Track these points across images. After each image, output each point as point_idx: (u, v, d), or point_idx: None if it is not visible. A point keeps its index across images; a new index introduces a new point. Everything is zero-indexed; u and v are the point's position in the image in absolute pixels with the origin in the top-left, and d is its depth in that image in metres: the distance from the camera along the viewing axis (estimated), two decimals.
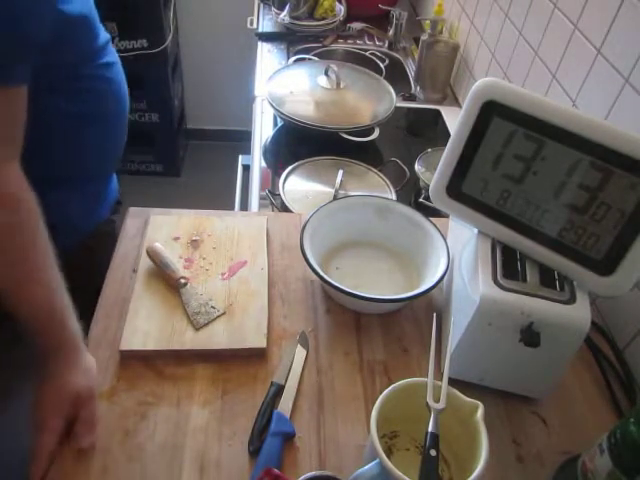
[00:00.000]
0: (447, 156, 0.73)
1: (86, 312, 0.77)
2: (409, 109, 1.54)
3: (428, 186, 0.80)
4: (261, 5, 2.02)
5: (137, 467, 0.64)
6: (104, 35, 0.88)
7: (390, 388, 0.60)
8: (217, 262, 0.88)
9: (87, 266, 0.88)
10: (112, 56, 0.90)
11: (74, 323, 0.71)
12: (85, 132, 0.88)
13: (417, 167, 1.16)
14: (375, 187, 1.12)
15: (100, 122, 0.90)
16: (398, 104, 1.35)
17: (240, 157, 1.64)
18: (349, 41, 1.85)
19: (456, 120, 0.71)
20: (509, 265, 0.70)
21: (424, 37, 1.52)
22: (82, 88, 0.84)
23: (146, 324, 0.77)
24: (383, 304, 0.82)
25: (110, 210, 1.04)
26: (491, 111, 0.68)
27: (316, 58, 1.59)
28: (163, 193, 2.48)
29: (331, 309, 0.85)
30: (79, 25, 0.79)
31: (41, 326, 0.69)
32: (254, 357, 0.77)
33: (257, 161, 1.27)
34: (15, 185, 0.68)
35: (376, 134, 1.26)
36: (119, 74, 0.92)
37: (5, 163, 0.67)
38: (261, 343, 0.77)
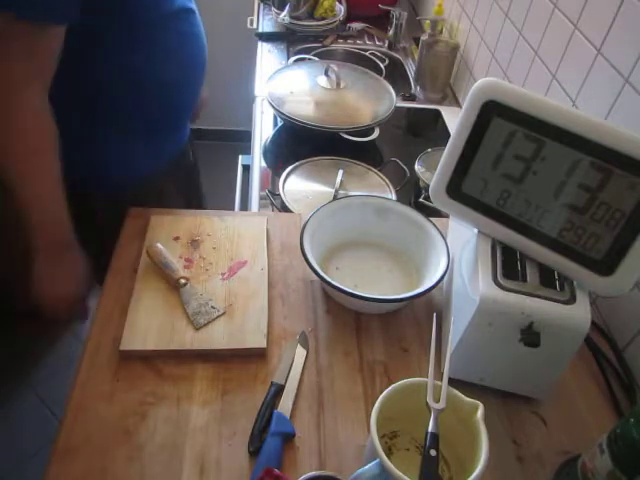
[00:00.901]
0: (447, 156, 0.73)
1: None
2: (409, 109, 1.54)
3: (428, 186, 0.80)
4: (261, 5, 2.02)
5: (137, 467, 0.64)
6: None
7: (390, 388, 0.60)
8: (217, 262, 0.88)
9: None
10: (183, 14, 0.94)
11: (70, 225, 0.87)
12: (151, 86, 0.94)
13: (417, 167, 1.16)
14: (375, 187, 1.12)
15: (168, 78, 0.95)
16: (398, 104, 1.35)
17: (240, 157, 1.64)
18: (349, 41, 1.85)
19: (456, 120, 0.71)
20: (509, 265, 0.70)
21: (424, 37, 1.52)
22: (149, 39, 0.89)
23: (146, 324, 0.77)
24: (383, 304, 0.82)
25: (170, 161, 1.09)
26: (491, 111, 0.68)
27: (316, 58, 1.59)
28: None
29: (331, 309, 0.85)
30: None
31: (47, 218, 0.85)
32: (254, 357, 0.77)
33: (257, 161, 1.27)
34: (33, 108, 0.78)
35: (376, 134, 1.26)
36: (194, 27, 0.98)
37: (29, 88, 0.77)
38: (261, 343, 0.77)
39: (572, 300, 0.66)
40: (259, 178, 1.22)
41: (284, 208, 1.06)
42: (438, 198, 0.76)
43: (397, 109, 1.33)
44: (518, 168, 0.68)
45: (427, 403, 0.57)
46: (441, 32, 1.58)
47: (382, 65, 1.62)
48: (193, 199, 1.31)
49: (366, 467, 0.57)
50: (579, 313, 0.65)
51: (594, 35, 0.92)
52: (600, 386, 0.79)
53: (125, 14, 0.84)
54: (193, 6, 1.00)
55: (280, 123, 1.38)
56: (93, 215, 1.02)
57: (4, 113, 0.77)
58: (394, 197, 1.08)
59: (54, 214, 0.85)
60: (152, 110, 0.97)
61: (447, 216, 0.95)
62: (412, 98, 1.57)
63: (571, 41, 1.00)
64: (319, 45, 1.79)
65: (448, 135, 1.33)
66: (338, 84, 1.33)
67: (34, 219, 0.84)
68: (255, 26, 1.90)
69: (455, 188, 0.74)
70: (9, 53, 0.74)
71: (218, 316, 0.80)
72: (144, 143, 1.00)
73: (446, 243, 0.85)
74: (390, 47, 1.83)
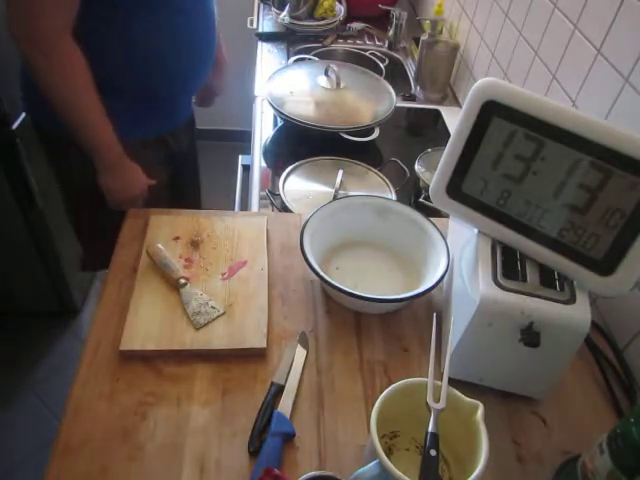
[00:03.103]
0: (447, 156, 0.73)
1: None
2: (409, 109, 1.54)
3: (428, 186, 0.80)
4: (261, 5, 2.02)
5: (137, 467, 0.64)
6: None
7: (390, 388, 0.60)
8: (217, 262, 0.88)
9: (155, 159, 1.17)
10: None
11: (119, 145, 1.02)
12: (144, 58, 1.01)
13: (417, 167, 1.16)
14: (375, 187, 1.12)
15: (159, 51, 1.02)
16: (398, 104, 1.35)
17: (240, 157, 1.64)
18: (349, 41, 1.85)
19: (456, 120, 0.71)
20: (509, 265, 0.70)
21: (424, 37, 1.52)
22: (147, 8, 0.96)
23: (146, 324, 0.77)
24: (383, 304, 0.82)
25: (155, 136, 1.18)
26: (491, 111, 0.68)
27: (316, 58, 1.59)
28: None
29: (331, 309, 0.85)
30: None
31: (101, 141, 0.99)
32: (254, 357, 0.77)
33: (257, 161, 1.27)
34: (75, 49, 0.90)
35: (376, 134, 1.26)
36: (198, 5, 1.03)
37: (60, 32, 0.88)
38: (261, 343, 0.77)
39: (572, 300, 0.66)
40: (259, 178, 1.22)
41: (284, 208, 1.06)
42: (438, 198, 0.76)
43: (397, 109, 1.33)
44: (518, 168, 0.68)
45: (427, 403, 0.57)
46: (441, 32, 1.58)
47: (382, 65, 1.62)
48: (185, 190, 1.39)
49: (366, 467, 0.57)
50: (579, 313, 0.65)
51: (594, 35, 0.92)
52: (600, 386, 0.79)
53: None
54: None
55: (280, 123, 1.38)
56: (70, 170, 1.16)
57: (57, 59, 0.89)
58: (394, 197, 1.08)
59: (105, 138, 1.00)
60: (133, 78, 1.03)
61: (447, 216, 0.95)
62: (412, 98, 1.57)
63: (571, 41, 1.00)
64: (319, 45, 1.79)
65: (448, 135, 1.34)
66: (338, 84, 1.33)
67: (91, 145, 0.99)
68: (255, 26, 1.91)
69: (455, 188, 0.74)
70: (53, 3, 0.85)
71: (218, 316, 0.80)
72: (125, 106, 1.05)
73: (446, 243, 0.85)
74: (390, 47, 1.83)
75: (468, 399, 0.60)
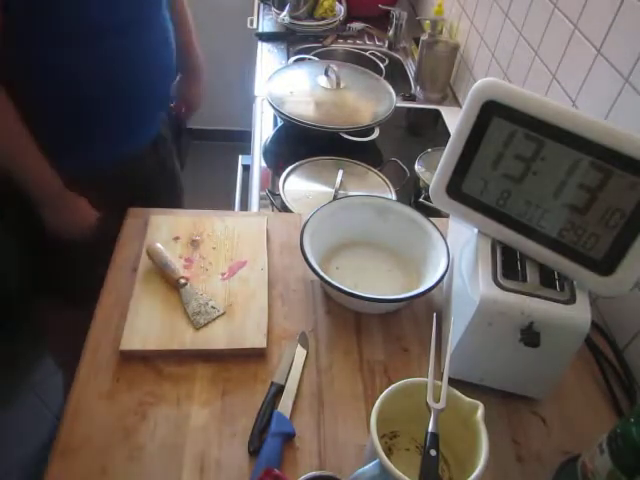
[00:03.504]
0: (447, 156, 0.73)
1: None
2: (409, 109, 1.54)
3: (428, 186, 0.80)
4: (261, 5, 2.02)
5: (137, 467, 0.64)
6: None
7: (390, 388, 0.60)
8: (217, 262, 0.88)
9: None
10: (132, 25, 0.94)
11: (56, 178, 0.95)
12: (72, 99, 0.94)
13: (417, 167, 1.16)
14: (375, 187, 1.12)
15: (89, 93, 0.95)
16: (398, 104, 1.35)
17: (240, 157, 1.64)
18: (349, 41, 1.85)
19: (456, 120, 0.71)
20: (509, 265, 0.70)
21: (424, 37, 1.52)
22: (78, 48, 0.89)
23: (146, 324, 0.77)
24: (383, 304, 0.82)
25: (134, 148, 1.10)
26: (491, 111, 0.68)
27: (316, 58, 1.59)
28: None
29: (331, 309, 0.85)
30: None
31: (35, 183, 0.93)
32: (254, 357, 0.77)
33: (257, 161, 1.27)
34: None
35: (376, 134, 1.26)
36: (135, 42, 0.95)
37: None
38: (261, 343, 0.77)
39: (572, 300, 0.66)
40: (259, 178, 1.22)
41: (284, 208, 1.06)
42: (438, 198, 0.76)
43: (397, 109, 1.33)
44: (518, 168, 0.68)
45: (427, 403, 0.57)
46: (441, 32, 1.58)
47: (382, 65, 1.62)
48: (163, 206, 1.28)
49: (366, 467, 0.57)
50: (579, 313, 0.65)
51: (594, 35, 0.92)
52: (600, 386, 0.79)
53: (51, 23, 0.86)
54: (151, 16, 0.97)
55: (280, 123, 1.38)
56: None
57: None
58: (394, 197, 1.08)
59: (39, 177, 0.93)
60: (64, 114, 0.95)
61: (447, 216, 0.95)
62: (412, 98, 1.57)
63: (571, 41, 1.00)
64: (319, 45, 1.79)
65: (448, 135, 1.34)
66: (338, 84, 1.33)
67: (24, 185, 0.93)
68: (255, 26, 1.90)
69: (455, 188, 0.74)
70: None
71: (218, 316, 0.80)
72: (71, 141, 0.99)
73: (446, 243, 0.85)
74: (390, 47, 1.83)
75: (468, 399, 0.60)
